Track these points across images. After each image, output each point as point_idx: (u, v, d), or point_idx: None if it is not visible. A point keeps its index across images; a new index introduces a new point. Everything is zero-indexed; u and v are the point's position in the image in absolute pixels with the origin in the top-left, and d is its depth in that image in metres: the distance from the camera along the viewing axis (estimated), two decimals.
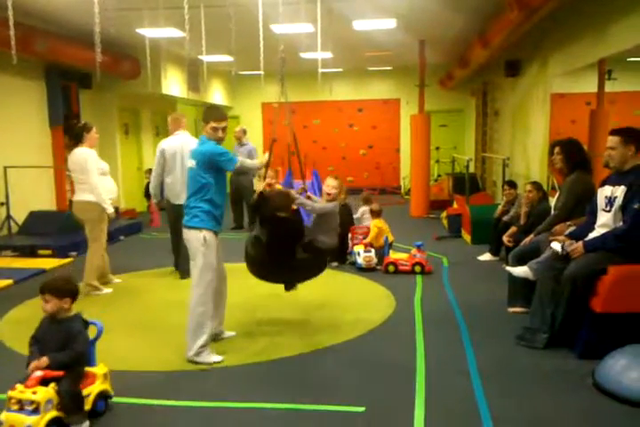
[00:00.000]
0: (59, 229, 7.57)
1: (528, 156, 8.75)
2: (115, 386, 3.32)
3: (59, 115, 8.94)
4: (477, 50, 8.86)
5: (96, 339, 3.09)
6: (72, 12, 7.43)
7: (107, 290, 5.52)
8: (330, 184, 4.24)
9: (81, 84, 9.62)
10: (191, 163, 3.73)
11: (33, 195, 8.45)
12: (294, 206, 3.92)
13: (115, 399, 3.15)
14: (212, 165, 3.65)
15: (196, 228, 3.68)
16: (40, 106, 8.72)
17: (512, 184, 6.77)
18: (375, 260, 6.15)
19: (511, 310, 4.59)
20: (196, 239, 3.67)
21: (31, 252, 7.02)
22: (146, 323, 4.56)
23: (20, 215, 7.94)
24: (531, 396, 3.13)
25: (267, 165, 4.01)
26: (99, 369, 3.01)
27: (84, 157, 5.33)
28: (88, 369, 2.98)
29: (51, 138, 8.89)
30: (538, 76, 8.24)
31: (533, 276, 3.99)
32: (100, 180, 5.36)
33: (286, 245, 3.84)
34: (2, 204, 7.79)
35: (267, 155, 3.99)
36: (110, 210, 5.37)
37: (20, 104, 8.30)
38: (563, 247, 3.76)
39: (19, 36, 5.03)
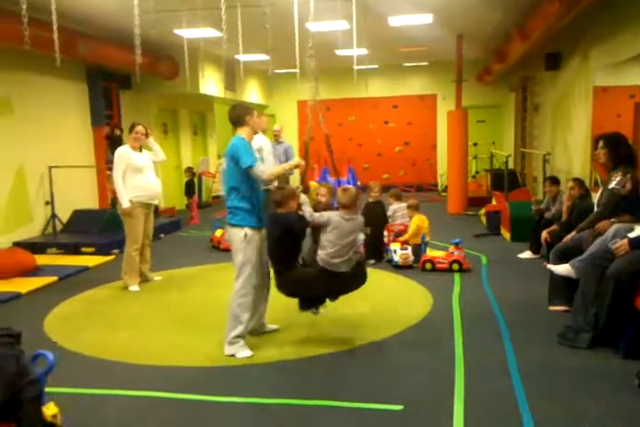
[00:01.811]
0: (101, 227, 7.77)
1: (570, 151, 8.54)
2: (155, 381, 3.41)
3: (100, 115, 9.17)
4: (516, 43, 8.69)
5: (47, 373, 2.56)
6: (112, 15, 7.60)
7: (133, 287, 5.59)
8: (320, 192, 4.30)
9: (121, 85, 9.86)
10: (225, 162, 3.84)
11: (76, 194, 8.69)
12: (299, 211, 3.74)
13: (154, 394, 3.23)
14: (236, 162, 3.74)
15: (237, 226, 3.79)
16: (82, 107, 8.96)
17: (554, 180, 6.58)
18: (412, 257, 6.11)
19: (552, 308, 4.50)
20: (238, 237, 3.78)
21: (75, 249, 7.23)
22: (186, 320, 4.63)
23: (64, 214, 8.18)
24: (573, 396, 3.06)
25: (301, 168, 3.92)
26: (48, 409, 2.52)
27: (116, 155, 5.58)
28: None
29: (93, 138, 9.12)
30: (579, 70, 8.03)
31: (576, 274, 3.90)
32: (131, 177, 5.50)
33: (281, 245, 3.66)
34: (47, 203, 8.04)
35: (291, 163, 4.04)
36: (123, 205, 5.47)
37: (63, 105, 8.54)
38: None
39: (61, 39, 5.16)
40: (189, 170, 10.66)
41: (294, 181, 7.99)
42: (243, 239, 3.76)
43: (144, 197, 5.58)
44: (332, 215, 3.69)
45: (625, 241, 3.60)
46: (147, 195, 5.61)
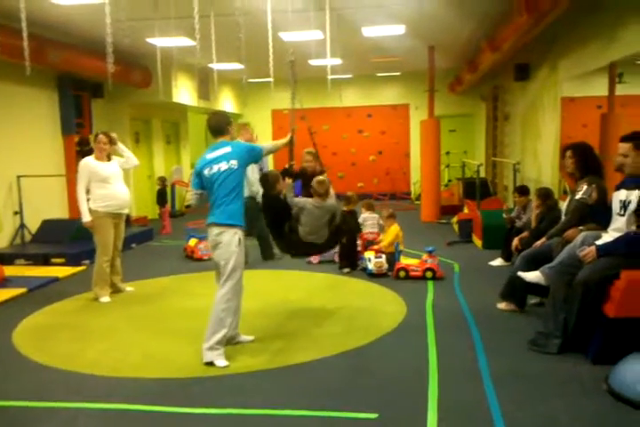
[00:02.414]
0: (71, 237, 7.63)
1: (539, 160, 8.71)
2: (130, 393, 3.36)
3: (71, 124, 9.05)
4: (487, 54, 8.85)
5: None
6: (84, 23, 7.52)
7: (103, 299, 5.49)
8: (305, 159, 5.31)
9: (93, 93, 9.74)
10: (232, 163, 3.85)
11: (46, 203, 8.54)
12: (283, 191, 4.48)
13: (130, 407, 3.18)
14: (249, 160, 4.01)
15: (232, 226, 3.82)
16: (52, 115, 8.83)
17: (522, 191, 6.66)
18: (386, 265, 6.15)
19: (500, 305, 4.76)
20: (232, 240, 3.81)
21: (44, 260, 7.09)
22: (160, 330, 4.58)
23: (33, 224, 8.03)
24: (544, 401, 3.11)
25: (290, 144, 4.50)
26: None
27: (79, 166, 5.56)
28: None
29: (63, 147, 8.99)
30: (548, 80, 8.22)
31: (546, 281, 3.97)
32: (98, 187, 5.45)
33: (271, 218, 4.52)
34: (15, 213, 7.88)
35: (288, 136, 4.44)
36: (83, 219, 5.43)
37: (33, 114, 8.41)
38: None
39: (32, 47, 5.09)
40: (161, 179, 10.58)
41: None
42: (237, 244, 3.80)
43: (112, 206, 5.50)
44: (307, 203, 4.50)
45: (592, 248, 3.68)
46: (115, 204, 5.52)
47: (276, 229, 4.58)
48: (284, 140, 4.45)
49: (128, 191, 5.75)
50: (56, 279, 6.36)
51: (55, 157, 8.87)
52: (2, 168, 7.65)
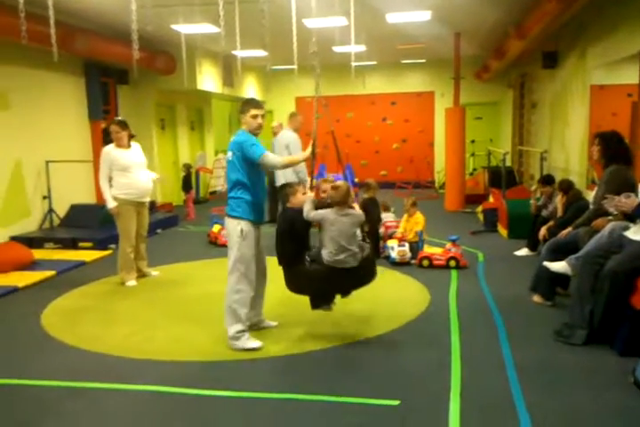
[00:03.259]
0: (99, 221, 7.75)
1: (567, 149, 8.56)
2: (156, 375, 3.42)
3: (98, 110, 9.15)
4: (514, 41, 8.69)
5: None
6: (109, 10, 7.56)
7: (129, 283, 5.59)
8: (322, 188, 4.20)
9: (119, 80, 9.82)
10: (229, 154, 3.83)
11: (73, 188, 8.67)
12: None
13: (155, 388, 3.24)
14: (244, 154, 3.74)
15: (235, 217, 3.79)
16: (80, 101, 8.93)
17: (548, 181, 6.54)
18: (409, 254, 6.13)
19: (534, 298, 4.68)
20: (235, 230, 3.78)
21: (72, 244, 7.23)
22: (184, 314, 4.65)
23: (61, 208, 8.17)
24: (569, 392, 3.09)
25: (312, 157, 4.00)
26: None
27: (101, 155, 5.60)
28: None
29: (90, 132, 9.10)
30: (576, 68, 8.05)
31: (572, 271, 3.93)
32: (119, 175, 5.48)
33: (290, 242, 3.76)
34: (44, 197, 8.03)
35: (309, 150, 3.97)
36: (108, 206, 5.50)
37: (61, 100, 8.52)
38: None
39: (59, 34, 5.16)
40: (186, 166, 10.65)
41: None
42: (239, 234, 3.76)
43: (133, 195, 5.53)
44: (327, 213, 3.70)
45: (635, 200, 3.53)
46: (135, 193, 5.55)
47: (289, 254, 3.76)
48: (302, 156, 4.04)
49: (150, 179, 5.76)
50: (83, 263, 6.48)
51: (82, 142, 8.99)
52: (31, 153, 7.78)
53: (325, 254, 3.66)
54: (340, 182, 3.84)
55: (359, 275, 3.78)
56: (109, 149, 5.56)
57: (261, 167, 3.85)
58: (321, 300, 3.88)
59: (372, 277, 3.89)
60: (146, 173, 5.72)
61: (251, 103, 3.90)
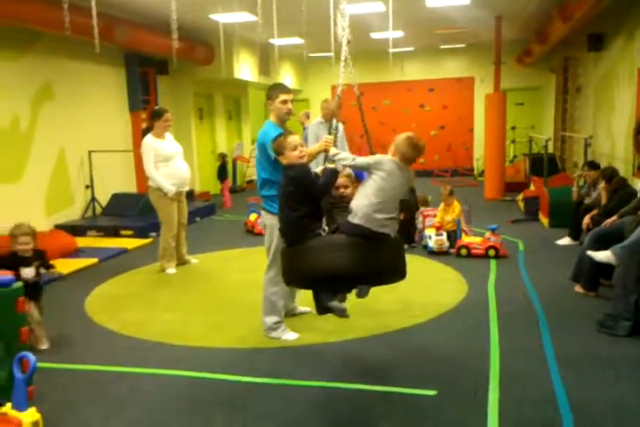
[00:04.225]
0: (139, 210, 7.91)
1: (613, 134, 8.28)
2: (195, 361, 3.48)
3: (138, 100, 9.30)
4: (557, 24, 8.42)
5: (29, 376, 2.53)
6: (149, 1, 7.63)
7: (170, 270, 5.68)
8: (340, 183, 3.11)
9: (158, 70, 9.95)
10: (257, 150, 3.81)
11: (115, 178, 8.86)
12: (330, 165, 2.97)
13: (191, 373, 3.30)
14: (267, 153, 3.61)
15: (274, 213, 3.71)
16: (120, 92, 9.09)
17: (593, 165, 6.38)
18: (447, 243, 6.06)
19: (576, 288, 4.58)
20: (273, 224, 3.71)
21: (114, 232, 7.40)
22: (222, 302, 4.71)
23: (103, 197, 8.36)
24: (612, 384, 3.01)
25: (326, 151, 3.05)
26: (27, 416, 2.42)
27: (142, 146, 5.62)
28: (15, 415, 2.41)
29: (130, 122, 9.26)
30: (624, 50, 7.75)
31: (616, 261, 3.81)
32: (160, 166, 5.52)
33: (292, 209, 2.93)
34: (87, 186, 8.23)
35: (322, 143, 3.11)
36: (169, 193, 5.52)
37: (102, 91, 8.69)
38: None
39: (100, 25, 5.23)
40: (221, 155, 10.75)
41: None
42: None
43: (174, 184, 5.59)
44: (385, 158, 2.87)
45: None
46: (176, 182, 5.61)
47: (299, 225, 2.87)
48: (317, 148, 3.37)
49: (188, 168, 5.83)
50: (125, 251, 6.63)
51: (123, 132, 9.16)
52: (74, 143, 7.97)
53: (363, 207, 2.76)
54: (419, 138, 2.92)
55: (391, 256, 2.90)
56: (149, 140, 5.60)
57: None
58: (332, 291, 2.90)
59: (403, 272, 3.06)
60: (184, 163, 5.79)
61: (278, 88, 3.79)
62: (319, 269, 2.76)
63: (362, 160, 2.87)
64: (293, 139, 3.05)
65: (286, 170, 3.04)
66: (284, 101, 3.73)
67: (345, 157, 2.90)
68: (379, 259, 2.81)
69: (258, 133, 3.82)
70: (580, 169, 6.66)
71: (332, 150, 2.96)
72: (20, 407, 2.45)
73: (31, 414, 2.44)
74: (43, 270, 3.75)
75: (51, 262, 3.87)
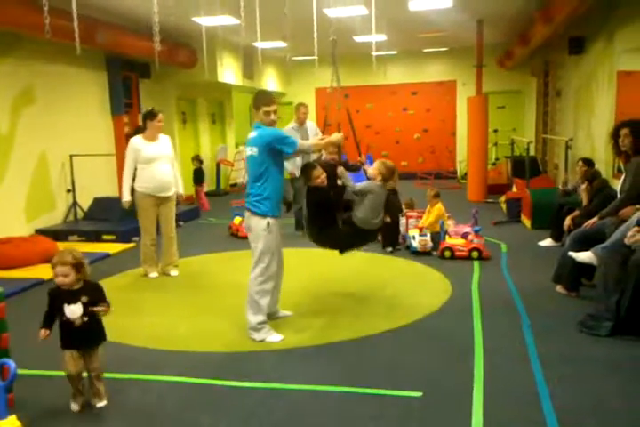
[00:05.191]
0: (121, 215, 7.80)
1: (593, 137, 8.39)
2: (181, 366, 3.46)
3: (120, 104, 9.23)
4: (539, 27, 8.52)
5: (9, 383, 2.52)
6: (131, 4, 7.59)
7: (152, 274, 5.63)
8: (329, 151, 4.54)
9: (141, 73, 9.89)
10: (252, 150, 3.79)
11: (96, 182, 8.77)
12: (339, 182, 4.24)
13: (176, 379, 3.28)
14: (273, 149, 3.72)
15: (260, 215, 3.79)
16: (102, 96, 9.02)
17: (589, 162, 6.41)
18: (430, 244, 6.09)
19: (557, 288, 4.62)
20: (260, 225, 3.79)
21: (96, 237, 7.32)
22: (207, 306, 4.69)
23: (85, 202, 8.28)
24: (594, 384, 3.04)
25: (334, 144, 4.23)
26: (7, 424, 2.42)
27: (128, 146, 5.55)
28: None
29: (112, 126, 9.19)
30: (603, 53, 7.86)
31: (598, 261, 3.85)
32: (141, 168, 5.45)
33: (320, 213, 4.16)
34: (68, 191, 8.15)
35: (335, 136, 4.05)
36: (122, 199, 5.57)
37: (84, 94, 8.61)
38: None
39: (81, 28, 5.18)
40: (197, 158, 10.73)
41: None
42: (265, 228, 3.77)
43: (150, 189, 5.47)
44: (373, 186, 4.23)
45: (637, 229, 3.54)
46: (153, 186, 5.47)
47: (320, 222, 4.20)
48: (325, 141, 4.03)
49: (172, 174, 5.62)
50: (108, 255, 6.57)
51: (105, 136, 9.08)
52: (55, 147, 7.89)
53: (360, 218, 4.16)
54: (390, 163, 4.33)
55: (375, 232, 4.45)
56: (135, 141, 5.49)
57: (284, 160, 3.88)
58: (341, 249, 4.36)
59: (375, 238, 4.69)
60: (168, 167, 5.60)
61: (261, 100, 3.84)
62: (337, 244, 4.36)
63: (360, 186, 4.23)
64: (318, 172, 4.09)
65: (312, 190, 4.17)
66: (267, 113, 3.81)
67: (349, 183, 4.26)
68: (369, 235, 4.43)
69: (246, 136, 3.93)
70: (576, 166, 6.71)
71: (341, 172, 4.23)
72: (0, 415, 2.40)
73: (11, 423, 2.40)
74: (94, 308, 2.93)
75: (107, 300, 3.05)
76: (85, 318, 2.90)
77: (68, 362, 2.88)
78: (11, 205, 7.12)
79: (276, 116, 3.83)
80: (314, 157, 4.92)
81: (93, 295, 2.94)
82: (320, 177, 4.08)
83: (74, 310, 2.87)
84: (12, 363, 2.46)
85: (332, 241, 4.31)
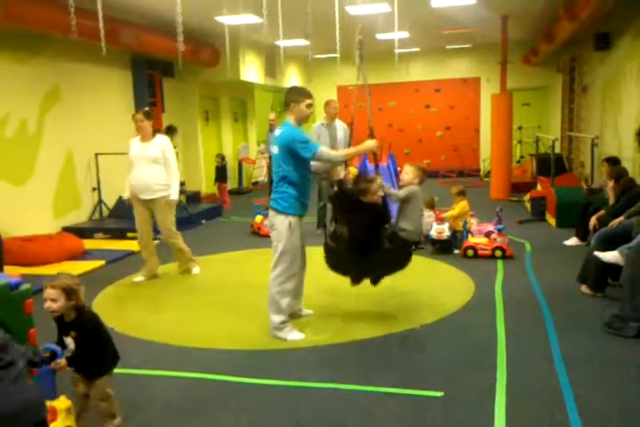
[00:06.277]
0: None
1: (620, 134, 8.24)
2: (201, 363, 3.49)
3: (144, 103, 9.32)
4: (564, 23, 8.38)
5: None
6: (155, 4, 7.66)
7: (137, 278, 5.49)
8: (405, 171, 4.12)
9: (164, 72, 9.99)
10: (275, 149, 3.81)
11: (121, 180, 8.84)
12: (380, 193, 3.87)
13: (201, 375, 3.31)
14: (291, 150, 3.70)
15: (282, 213, 3.78)
16: (127, 94, 9.13)
17: (615, 161, 6.31)
18: (447, 232, 6.10)
19: (582, 288, 4.54)
20: (282, 224, 3.78)
21: (121, 234, 7.42)
22: (230, 303, 4.72)
23: (110, 200, 8.39)
24: (620, 386, 2.99)
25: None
26: (60, 403, 2.49)
27: None
28: (48, 403, 2.30)
29: None
30: (631, 49, 7.71)
31: (624, 261, 3.79)
32: (131, 167, 5.47)
33: (370, 233, 3.80)
34: (94, 189, 8.27)
35: (369, 142, 3.86)
36: (123, 196, 5.67)
37: (109, 93, 8.72)
38: None
39: (107, 28, 5.25)
40: (220, 156, 10.78)
41: None
42: (287, 228, 3.76)
43: (132, 188, 5.42)
44: (415, 189, 3.99)
45: None
46: (132, 187, 5.40)
47: (365, 246, 3.82)
48: (356, 149, 3.92)
49: (152, 177, 5.33)
50: (131, 253, 6.65)
51: (129, 135, 9.14)
52: (81, 146, 8.01)
53: (411, 231, 3.89)
54: (421, 164, 4.17)
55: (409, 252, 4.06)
56: (132, 140, 5.53)
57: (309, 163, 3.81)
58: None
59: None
60: (151, 169, 5.34)
61: (304, 92, 3.87)
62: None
63: (404, 192, 3.94)
64: (376, 187, 3.86)
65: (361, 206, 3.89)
66: (309, 105, 3.83)
67: (392, 192, 3.97)
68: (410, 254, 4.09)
69: (277, 134, 3.84)
70: (602, 165, 6.59)
71: (383, 184, 3.89)
72: (50, 396, 2.50)
73: (63, 402, 2.51)
74: (51, 363, 2.47)
75: (86, 346, 2.53)
76: (78, 352, 2.55)
77: (73, 381, 2.68)
78: (39, 203, 7.25)
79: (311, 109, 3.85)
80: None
81: (81, 336, 2.54)
82: (378, 193, 3.84)
83: (69, 343, 2.59)
84: (57, 348, 2.52)
85: (377, 266, 3.94)
